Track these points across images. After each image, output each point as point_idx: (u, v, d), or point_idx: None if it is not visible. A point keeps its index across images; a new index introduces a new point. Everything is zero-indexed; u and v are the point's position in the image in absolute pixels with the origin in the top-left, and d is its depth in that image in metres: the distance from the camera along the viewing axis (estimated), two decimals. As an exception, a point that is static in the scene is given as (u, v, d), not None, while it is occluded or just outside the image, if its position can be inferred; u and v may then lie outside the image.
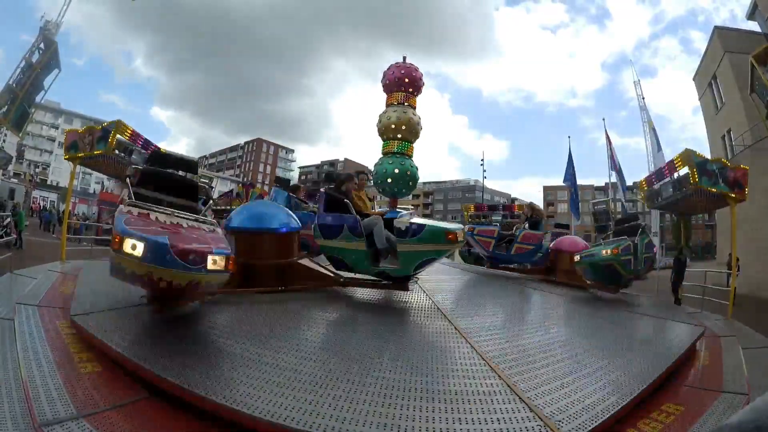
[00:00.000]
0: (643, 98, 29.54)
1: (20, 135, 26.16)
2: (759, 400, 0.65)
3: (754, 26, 19.66)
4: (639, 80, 29.86)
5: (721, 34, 21.26)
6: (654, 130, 26.74)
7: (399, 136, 12.79)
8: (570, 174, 21.01)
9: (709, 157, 7.56)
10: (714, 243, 30.87)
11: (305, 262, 5.42)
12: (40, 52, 23.18)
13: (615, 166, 23.34)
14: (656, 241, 30.74)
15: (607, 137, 23.17)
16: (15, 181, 30.34)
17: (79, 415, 2.22)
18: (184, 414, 2.35)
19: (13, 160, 31.25)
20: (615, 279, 6.72)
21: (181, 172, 5.05)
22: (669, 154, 26.69)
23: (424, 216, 61.56)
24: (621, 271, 6.50)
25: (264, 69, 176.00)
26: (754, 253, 15.60)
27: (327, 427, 2.07)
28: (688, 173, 7.17)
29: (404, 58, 13.44)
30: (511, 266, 9.03)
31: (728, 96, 20.83)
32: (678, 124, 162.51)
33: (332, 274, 5.17)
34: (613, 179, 23.96)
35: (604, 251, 6.59)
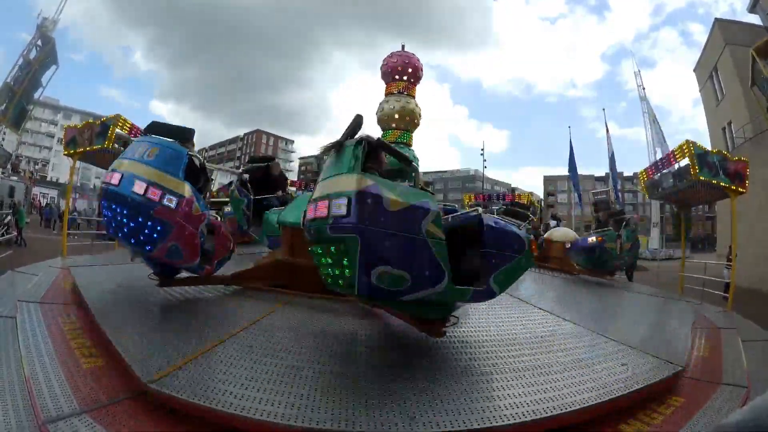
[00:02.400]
0: (644, 89, 29.37)
1: (19, 132, 26.04)
2: (758, 400, 0.65)
3: (755, 19, 19.55)
4: (639, 71, 29.64)
5: (722, 26, 21.13)
6: (656, 120, 26.63)
7: (399, 126, 12.72)
8: (573, 167, 21.13)
9: (709, 148, 7.54)
10: (714, 235, 30.85)
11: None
12: (38, 49, 23.03)
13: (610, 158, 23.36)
14: (656, 232, 30.72)
15: (606, 128, 23.14)
16: (15, 178, 30.30)
17: (82, 411, 2.23)
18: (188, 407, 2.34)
19: (12, 157, 31.20)
20: (600, 264, 7.91)
21: None
22: (669, 145, 26.61)
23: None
24: (605, 257, 7.69)
25: (264, 61, 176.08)
26: (754, 245, 15.59)
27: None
28: (688, 164, 7.16)
29: (403, 46, 13.33)
30: None
31: (729, 88, 20.74)
32: (678, 116, 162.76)
33: None
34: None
35: (590, 239, 7.98)
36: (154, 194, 3.48)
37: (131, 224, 3.57)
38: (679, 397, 2.86)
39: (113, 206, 3.59)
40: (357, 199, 2.51)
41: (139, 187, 3.46)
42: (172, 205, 3.56)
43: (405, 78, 12.85)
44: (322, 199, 2.73)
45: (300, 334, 3.34)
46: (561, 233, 10.12)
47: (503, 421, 2.20)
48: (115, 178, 3.53)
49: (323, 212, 2.64)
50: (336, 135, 3.85)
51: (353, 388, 2.48)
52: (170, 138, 3.88)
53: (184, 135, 3.95)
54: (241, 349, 2.95)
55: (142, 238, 3.60)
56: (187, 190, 3.69)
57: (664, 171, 7.99)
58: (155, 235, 3.60)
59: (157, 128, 4.01)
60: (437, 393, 2.43)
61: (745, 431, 0.62)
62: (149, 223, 3.54)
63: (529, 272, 6.70)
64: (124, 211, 3.55)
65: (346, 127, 3.09)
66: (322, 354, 2.98)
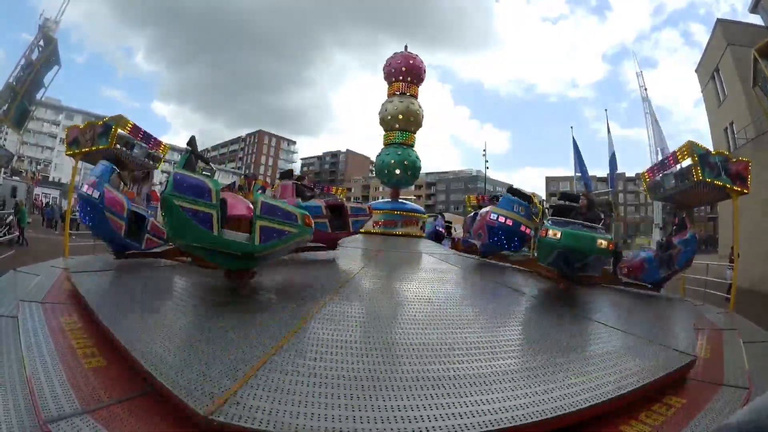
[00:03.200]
0: (646, 89, 29.26)
1: (21, 133, 26.09)
2: (758, 401, 0.65)
3: (756, 20, 19.53)
4: (641, 72, 29.52)
5: (724, 27, 21.11)
6: (657, 121, 26.52)
7: (401, 126, 12.70)
8: (581, 167, 21.22)
9: (711, 149, 7.52)
10: (716, 236, 30.76)
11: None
12: (40, 49, 23.06)
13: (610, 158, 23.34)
14: (658, 233, 30.61)
15: (608, 128, 23.10)
16: (17, 178, 30.39)
17: (83, 411, 2.23)
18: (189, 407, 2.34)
19: (15, 158, 31.27)
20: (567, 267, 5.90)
21: None
22: (671, 145, 26.52)
23: (427, 206, 61.20)
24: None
25: (265, 62, 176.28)
26: (756, 246, 15.56)
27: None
28: (690, 165, 7.14)
29: (406, 46, 13.27)
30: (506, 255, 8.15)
31: (731, 89, 20.71)
32: (679, 116, 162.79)
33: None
34: (617, 171, 23.93)
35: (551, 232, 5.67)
36: (528, 230, 7.57)
37: (514, 240, 7.60)
38: (680, 398, 2.85)
39: (501, 233, 7.56)
40: None
41: (525, 229, 7.53)
42: (531, 233, 7.61)
43: (408, 79, 12.83)
44: None
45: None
46: None
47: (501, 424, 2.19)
48: (510, 222, 7.45)
49: None
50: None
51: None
52: (522, 199, 7.69)
53: (530, 199, 7.80)
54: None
55: (516, 245, 7.67)
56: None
57: (666, 172, 7.97)
58: (520, 244, 7.71)
59: (515, 192, 7.97)
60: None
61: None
62: (523, 240, 7.69)
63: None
64: (514, 237, 7.56)
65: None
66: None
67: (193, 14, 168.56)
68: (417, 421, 2.15)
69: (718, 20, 21.78)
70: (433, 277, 6.49)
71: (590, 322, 4.63)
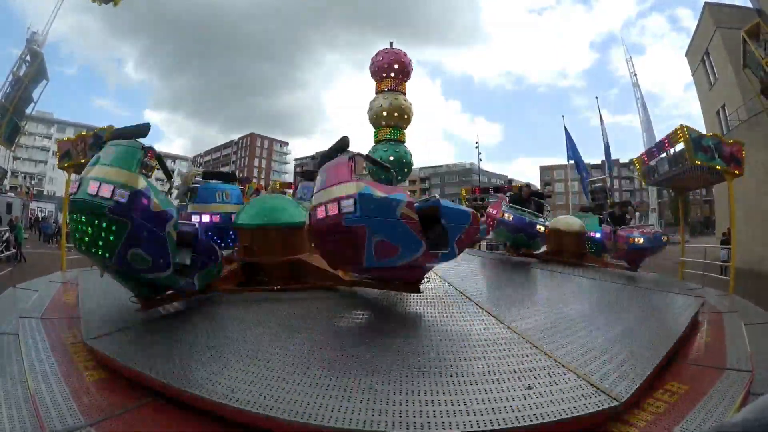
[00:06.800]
0: (636, 75, 29.34)
1: (12, 149, 25.88)
2: (761, 400, 0.64)
3: (744, 2, 19.59)
4: (630, 57, 29.61)
5: (712, 10, 21.11)
6: (645, 106, 26.60)
7: (391, 122, 12.64)
8: (575, 154, 21.28)
9: (704, 132, 7.53)
10: (713, 218, 30.88)
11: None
12: (27, 64, 22.87)
13: (605, 145, 23.43)
14: (654, 217, 30.72)
15: (600, 118, 23.16)
16: (11, 194, 30.25)
17: (86, 424, 2.24)
18: (191, 415, 2.36)
19: (8, 174, 31.10)
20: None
21: None
22: (662, 130, 26.56)
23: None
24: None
25: (256, 66, 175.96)
26: (752, 227, 15.61)
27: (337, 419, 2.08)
28: (683, 149, 7.15)
29: (391, 43, 13.25)
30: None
31: (721, 71, 20.73)
32: (670, 101, 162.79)
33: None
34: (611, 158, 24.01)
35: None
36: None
37: None
38: (683, 384, 2.85)
39: None
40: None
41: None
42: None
43: (394, 75, 12.80)
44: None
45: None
46: (564, 222, 8.61)
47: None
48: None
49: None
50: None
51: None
52: None
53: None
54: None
55: None
56: None
57: (660, 156, 7.98)
58: None
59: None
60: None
61: (750, 430, 0.61)
62: None
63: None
64: None
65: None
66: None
67: (182, 22, 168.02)
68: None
69: (706, 3, 21.78)
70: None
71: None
